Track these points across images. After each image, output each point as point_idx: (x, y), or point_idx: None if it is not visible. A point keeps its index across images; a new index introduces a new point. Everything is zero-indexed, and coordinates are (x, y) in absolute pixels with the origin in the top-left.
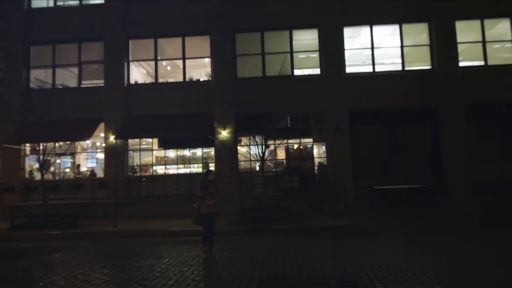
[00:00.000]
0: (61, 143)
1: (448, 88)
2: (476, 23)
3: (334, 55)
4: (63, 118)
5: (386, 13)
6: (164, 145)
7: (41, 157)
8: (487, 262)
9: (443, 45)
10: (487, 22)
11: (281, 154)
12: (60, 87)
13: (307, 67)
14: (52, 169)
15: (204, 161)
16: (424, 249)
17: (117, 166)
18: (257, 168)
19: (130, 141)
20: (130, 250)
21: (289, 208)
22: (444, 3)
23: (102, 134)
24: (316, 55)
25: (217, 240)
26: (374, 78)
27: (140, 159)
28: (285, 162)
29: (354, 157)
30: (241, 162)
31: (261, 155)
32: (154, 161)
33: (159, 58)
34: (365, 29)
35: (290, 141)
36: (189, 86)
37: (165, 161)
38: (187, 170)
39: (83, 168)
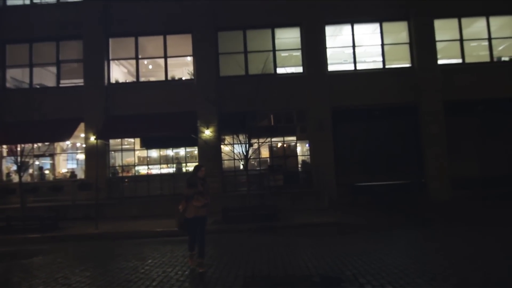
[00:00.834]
0: (40, 144)
1: (427, 85)
2: (454, 22)
3: (316, 53)
4: (41, 118)
5: (367, 12)
6: (146, 145)
7: (19, 159)
8: (468, 254)
9: (423, 43)
10: (464, 20)
11: (265, 153)
12: (38, 86)
13: (290, 65)
14: (30, 171)
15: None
16: (405, 244)
17: (99, 167)
18: (241, 167)
19: (112, 141)
20: (112, 252)
21: (273, 206)
22: (423, 2)
23: (82, 135)
24: (298, 53)
25: None
26: (356, 76)
27: (122, 159)
28: (269, 161)
29: (337, 154)
30: (225, 161)
31: (244, 153)
32: (136, 161)
33: (140, 56)
34: (347, 28)
35: (273, 139)
36: (171, 85)
37: (148, 161)
38: (170, 170)
39: (63, 170)
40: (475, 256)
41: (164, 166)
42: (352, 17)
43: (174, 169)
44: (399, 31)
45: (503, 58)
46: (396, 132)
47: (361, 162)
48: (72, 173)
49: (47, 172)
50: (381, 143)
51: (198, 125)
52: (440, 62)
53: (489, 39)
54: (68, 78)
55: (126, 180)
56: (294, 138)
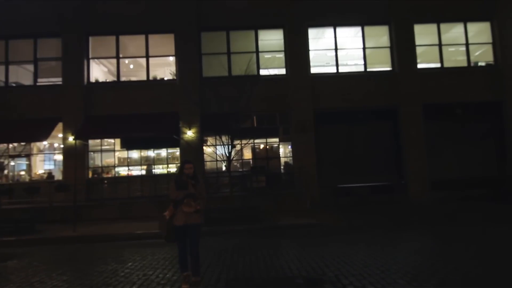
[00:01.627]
0: (16, 144)
1: (407, 88)
2: (433, 27)
3: (299, 56)
4: (17, 117)
5: (349, 15)
6: (127, 145)
7: None
8: (447, 254)
9: (403, 48)
10: (443, 26)
11: (247, 154)
12: (14, 85)
13: (273, 67)
14: (5, 172)
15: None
16: (387, 244)
17: (77, 168)
18: (224, 168)
19: (91, 141)
20: (91, 255)
21: (255, 208)
22: (404, 7)
23: (61, 135)
24: (281, 55)
25: None
26: (338, 79)
27: (101, 160)
28: (251, 162)
29: (319, 156)
30: (207, 163)
31: (227, 155)
32: (116, 162)
33: (121, 56)
34: (329, 31)
35: (256, 140)
36: (153, 85)
37: (128, 162)
38: (151, 171)
39: (39, 171)
40: (454, 256)
41: (145, 167)
42: (335, 20)
43: (155, 170)
44: (380, 35)
45: (479, 63)
46: (377, 134)
47: (343, 163)
48: (50, 174)
49: (23, 173)
50: (363, 145)
51: (180, 126)
52: (419, 66)
53: (467, 44)
54: (46, 77)
55: (105, 181)
56: (277, 139)
